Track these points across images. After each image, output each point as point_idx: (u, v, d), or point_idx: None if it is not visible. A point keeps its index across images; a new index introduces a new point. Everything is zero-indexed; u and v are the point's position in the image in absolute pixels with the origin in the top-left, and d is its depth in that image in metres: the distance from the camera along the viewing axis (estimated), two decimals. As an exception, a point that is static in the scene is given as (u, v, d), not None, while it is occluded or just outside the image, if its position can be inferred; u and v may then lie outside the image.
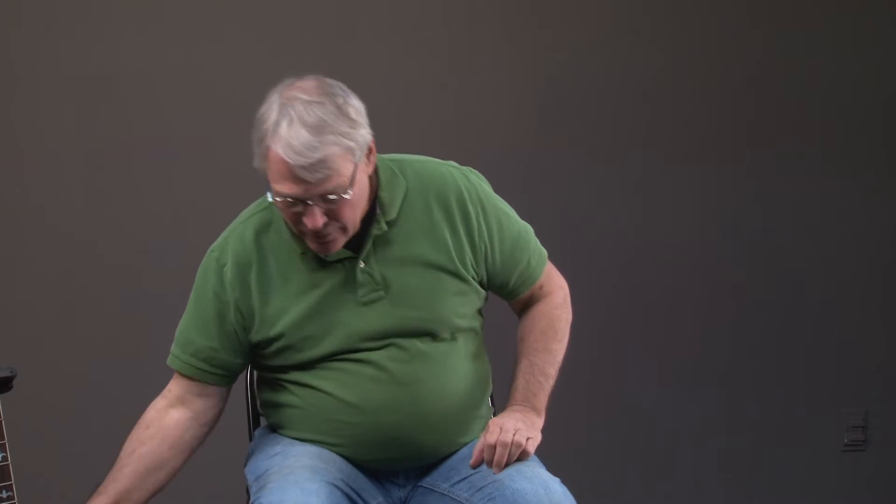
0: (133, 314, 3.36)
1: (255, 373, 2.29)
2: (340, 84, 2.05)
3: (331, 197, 1.96)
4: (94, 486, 2.11)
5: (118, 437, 3.51)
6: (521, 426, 2.08)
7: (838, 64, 3.72)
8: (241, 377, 2.29)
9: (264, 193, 2.08)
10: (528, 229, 2.23)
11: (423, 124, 3.49)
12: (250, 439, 2.30)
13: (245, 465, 2.20)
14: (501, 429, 2.06)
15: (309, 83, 2.02)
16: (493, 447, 2.05)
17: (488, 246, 2.14)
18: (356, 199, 2.00)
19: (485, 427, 2.12)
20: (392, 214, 2.08)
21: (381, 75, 3.45)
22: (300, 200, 1.96)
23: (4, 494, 1.95)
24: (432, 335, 2.10)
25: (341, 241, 2.03)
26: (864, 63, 3.74)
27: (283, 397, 2.14)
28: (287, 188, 1.96)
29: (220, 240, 2.17)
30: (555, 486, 2.00)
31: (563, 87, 3.58)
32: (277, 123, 1.97)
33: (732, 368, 3.72)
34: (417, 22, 3.51)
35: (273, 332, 2.08)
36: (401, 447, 2.10)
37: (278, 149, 1.95)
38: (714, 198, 3.70)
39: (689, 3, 3.65)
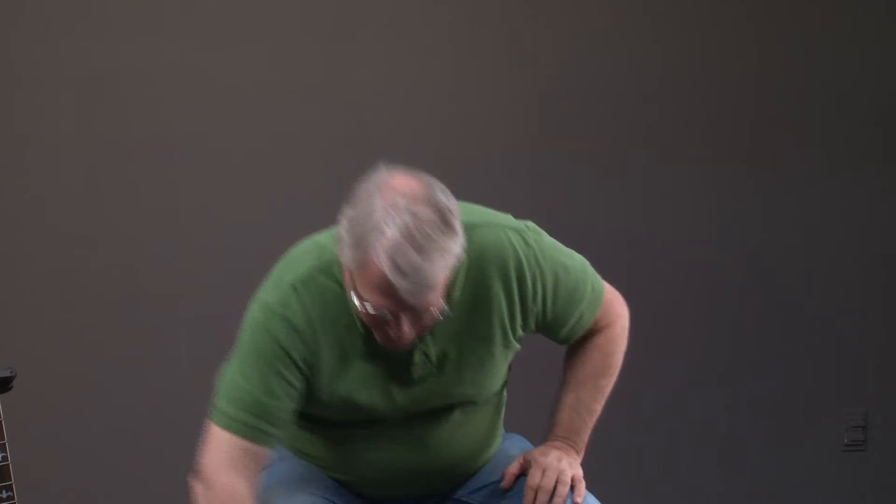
0: (133, 314, 3.36)
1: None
2: (439, 184, 1.86)
3: (426, 312, 1.83)
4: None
5: (118, 437, 3.52)
6: (566, 467, 2.05)
7: (838, 64, 3.72)
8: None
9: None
10: (583, 279, 2.08)
11: (423, 124, 3.49)
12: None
13: None
14: (544, 472, 2.03)
15: (411, 185, 1.82)
16: (535, 491, 2.02)
17: (541, 306, 2.02)
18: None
19: (500, 441, 2.12)
20: (454, 296, 1.94)
21: (381, 75, 3.45)
22: (392, 315, 1.82)
23: (4, 494, 1.95)
24: (473, 404, 2.07)
25: (414, 342, 1.91)
26: (864, 63, 3.74)
27: (308, 436, 2.11)
28: (381, 302, 1.80)
29: (278, 291, 1.95)
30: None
31: (563, 87, 3.58)
32: (381, 232, 1.77)
33: (733, 368, 3.72)
34: (417, 22, 3.51)
35: (324, 396, 1.98)
36: (413, 487, 2.09)
37: (382, 263, 1.76)
38: (714, 198, 3.70)
39: (689, 3, 3.65)
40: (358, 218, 1.80)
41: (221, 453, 1.94)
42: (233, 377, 1.95)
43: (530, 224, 2.04)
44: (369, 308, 1.81)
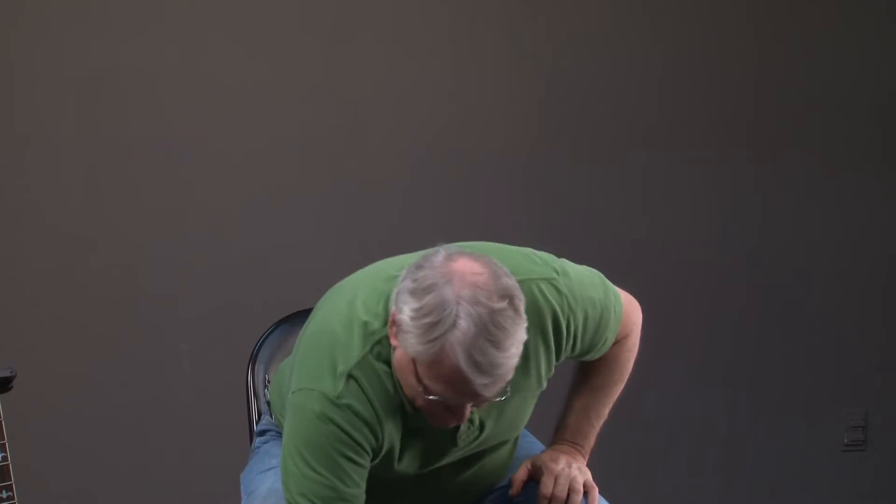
0: (133, 314, 3.36)
1: (255, 374, 2.30)
2: (501, 267, 1.82)
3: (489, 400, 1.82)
4: None
5: (118, 437, 3.52)
6: (577, 474, 2.05)
7: (838, 64, 3.72)
8: (240, 378, 2.29)
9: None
10: (607, 307, 2.06)
11: (422, 125, 3.49)
12: (250, 440, 2.29)
13: (243, 471, 2.20)
14: (557, 480, 2.03)
15: (478, 271, 1.78)
16: (548, 500, 2.02)
17: (573, 344, 2.01)
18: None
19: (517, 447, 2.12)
20: None
21: (381, 75, 3.45)
22: (458, 404, 1.80)
23: (4, 494, 1.95)
24: (504, 444, 2.08)
25: None
26: (864, 63, 3.74)
27: None
28: (453, 394, 1.77)
29: (334, 381, 1.86)
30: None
31: (563, 87, 3.58)
32: (455, 325, 1.73)
33: (733, 368, 3.72)
34: (417, 22, 3.51)
35: (380, 472, 1.95)
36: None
37: (459, 359, 1.72)
38: (714, 198, 3.70)
39: (689, 3, 3.65)
40: (426, 308, 1.74)
41: None
42: (302, 471, 1.87)
43: (556, 265, 2.01)
44: (431, 399, 1.78)
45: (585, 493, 2.05)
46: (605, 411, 2.14)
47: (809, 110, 3.72)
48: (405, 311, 1.76)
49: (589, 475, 2.08)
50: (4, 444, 1.95)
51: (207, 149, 3.38)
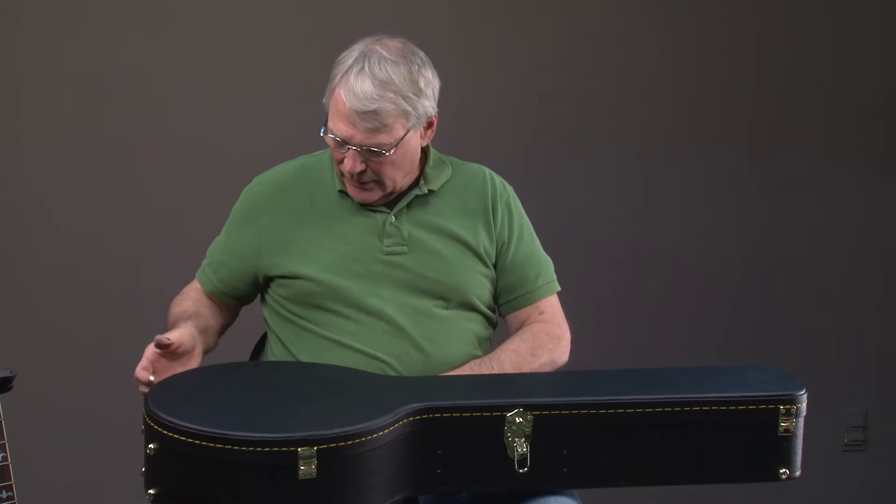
0: (133, 314, 3.36)
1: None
2: (423, 54, 2.16)
3: (373, 149, 2.08)
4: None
5: (118, 437, 3.52)
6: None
7: (838, 64, 3.72)
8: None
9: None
10: (547, 259, 2.32)
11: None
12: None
13: None
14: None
15: (394, 43, 2.14)
16: None
17: (506, 243, 2.25)
18: (398, 160, 2.12)
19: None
20: (434, 186, 2.22)
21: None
22: (345, 143, 2.08)
23: (4, 494, 1.96)
24: (445, 300, 2.18)
25: (377, 193, 2.16)
26: (865, 63, 3.74)
27: (299, 336, 2.20)
28: (338, 129, 2.08)
29: (261, 176, 2.29)
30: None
31: (563, 88, 3.58)
32: (350, 69, 2.08)
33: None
34: (417, 22, 3.51)
35: (296, 268, 2.17)
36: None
37: (342, 90, 2.07)
38: (714, 197, 3.70)
39: (690, 3, 3.65)
40: (339, 60, 2.12)
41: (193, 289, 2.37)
42: (216, 239, 2.35)
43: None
44: (329, 137, 2.10)
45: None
46: (508, 368, 2.19)
47: (809, 110, 3.72)
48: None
49: None
50: (4, 444, 1.95)
51: (207, 148, 3.38)
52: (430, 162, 2.25)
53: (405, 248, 2.18)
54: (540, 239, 2.35)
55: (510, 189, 2.32)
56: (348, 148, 2.08)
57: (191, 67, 3.37)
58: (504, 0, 3.56)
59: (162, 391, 1.92)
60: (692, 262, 3.69)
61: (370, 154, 2.09)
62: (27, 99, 3.32)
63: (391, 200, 2.20)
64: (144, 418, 1.83)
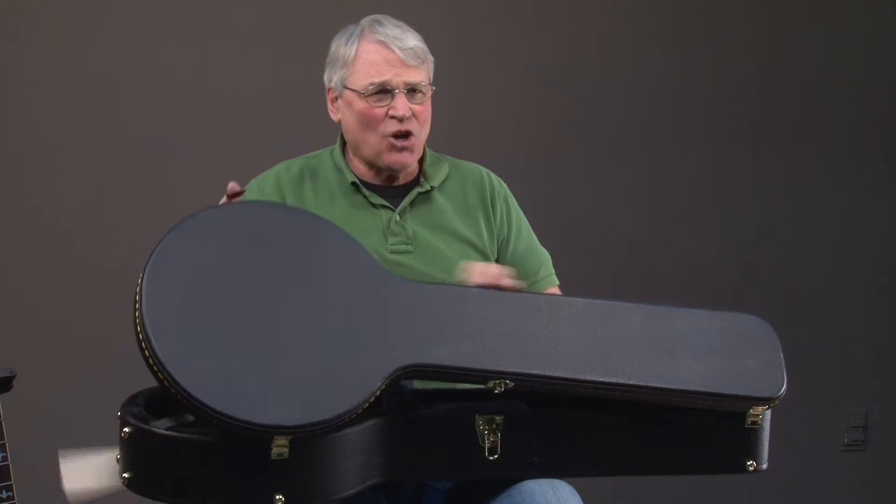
0: (133, 314, 3.36)
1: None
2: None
3: (419, 88, 2.14)
4: None
5: (118, 437, 3.50)
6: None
7: (839, 64, 3.72)
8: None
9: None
10: (546, 252, 2.34)
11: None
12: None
13: None
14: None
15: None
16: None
17: (506, 237, 2.28)
18: (427, 114, 2.18)
19: None
20: (435, 182, 2.24)
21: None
22: (389, 91, 2.12)
23: (4, 494, 1.95)
24: None
25: (411, 156, 2.18)
26: (865, 63, 3.74)
27: None
28: (380, 75, 2.13)
29: (263, 173, 2.29)
30: (562, 485, 2.01)
31: (563, 87, 3.58)
32: (370, 25, 2.18)
33: (732, 368, 3.72)
34: (417, 22, 3.50)
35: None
36: None
37: (376, 37, 2.15)
38: (714, 197, 3.70)
39: (690, 3, 3.65)
40: (341, 36, 2.21)
41: None
42: None
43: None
44: (370, 94, 2.12)
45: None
46: None
47: (809, 110, 3.72)
48: (329, 77, 2.21)
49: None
50: (4, 444, 1.95)
51: (207, 148, 3.38)
52: (428, 160, 2.27)
53: (410, 246, 2.19)
54: (539, 238, 2.36)
55: (505, 185, 2.36)
56: (395, 93, 2.12)
57: (191, 68, 3.37)
58: (504, 1, 3.56)
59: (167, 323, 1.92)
60: (692, 262, 3.69)
61: (413, 95, 2.14)
62: (27, 99, 3.32)
63: (394, 199, 2.21)
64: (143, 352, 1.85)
